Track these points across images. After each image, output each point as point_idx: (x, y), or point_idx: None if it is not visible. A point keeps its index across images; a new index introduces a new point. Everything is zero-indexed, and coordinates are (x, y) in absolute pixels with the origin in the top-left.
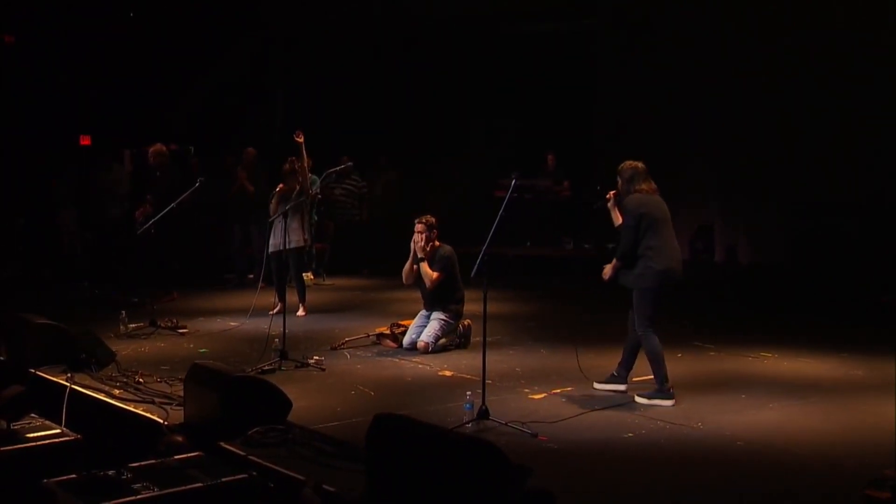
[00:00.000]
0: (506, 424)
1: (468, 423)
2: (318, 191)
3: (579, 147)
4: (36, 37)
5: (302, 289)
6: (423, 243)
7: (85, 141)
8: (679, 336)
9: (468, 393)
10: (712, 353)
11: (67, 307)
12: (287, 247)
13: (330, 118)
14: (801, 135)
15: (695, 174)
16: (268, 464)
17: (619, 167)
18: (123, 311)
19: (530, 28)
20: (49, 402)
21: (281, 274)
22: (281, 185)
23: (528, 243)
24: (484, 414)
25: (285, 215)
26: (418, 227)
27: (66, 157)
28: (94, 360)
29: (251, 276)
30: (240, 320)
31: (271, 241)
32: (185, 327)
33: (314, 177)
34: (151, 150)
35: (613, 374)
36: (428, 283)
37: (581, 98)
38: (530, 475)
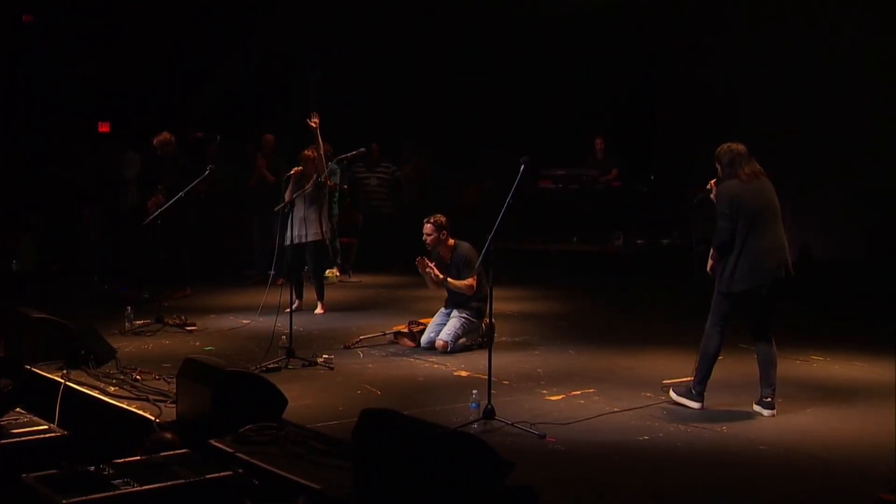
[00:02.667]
0: (512, 425)
1: (473, 422)
2: (338, 182)
3: (632, 132)
4: (55, 16)
5: (320, 285)
6: (432, 270)
7: (104, 128)
8: (728, 337)
9: (474, 392)
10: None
11: (75, 302)
12: (305, 239)
13: (368, 102)
14: (879, 123)
15: (762, 164)
16: (256, 461)
17: (717, 151)
18: (129, 308)
19: (575, 4)
20: (43, 399)
21: (297, 268)
22: (296, 168)
23: (575, 239)
24: (490, 413)
25: (292, 204)
26: (427, 227)
27: (83, 144)
28: (92, 356)
29: (273, 271)
30: (251, 318)
31: (288, 233)
32: (193, 325)
33: (334, 165)
34: (157, 139)
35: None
36: (468, 292)
37: (635, 80)
38: (513, 469)
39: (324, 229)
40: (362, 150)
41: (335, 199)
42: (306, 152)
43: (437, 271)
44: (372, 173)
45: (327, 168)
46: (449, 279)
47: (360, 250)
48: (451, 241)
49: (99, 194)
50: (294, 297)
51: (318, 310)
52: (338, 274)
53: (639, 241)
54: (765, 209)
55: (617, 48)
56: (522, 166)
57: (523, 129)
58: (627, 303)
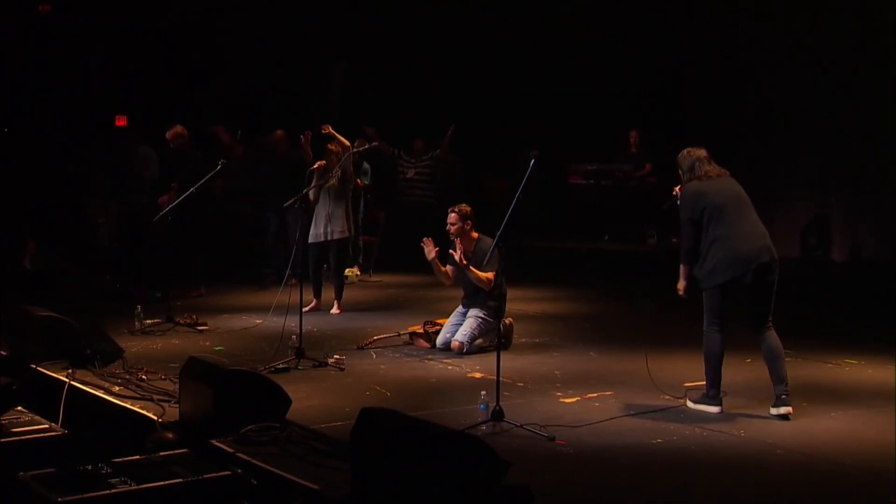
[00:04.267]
0: (521, 427)
1: (481, 424)
2: (370, 181)
3: (668, 124)
4: (73, 6)
5: (340, 284)
6: (460, 252)
7: (121, 121)
8: (755, 339)
9: (483, 393)
10: (788, 360)
11: (85, 301)
12: (331, 237)
13: (395, 95)
14: None
15: (809, 157)
16: (256, 461)
17: (677, 158)
18: (139, 306)
19: None
20: (48, 398)
21: (318, 267)
22: (319, 162)
23: (606, 237)
24: (498, 415)
25: (305, 199)
26: (451, 216)
27: (100, 138)
28: (98, 355)
29: (289, 270)
30: (264, 318)
31: (312, 231)
32: (205, 324)
33: (366, 165)
34: (170, 133)
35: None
36: (485, 286)
37: (672, 70)
38: (508, 468)
39: (350, 227)
40: (374, 143)
41: (361, 200)
42: (330, 146)
43: (461, 254)
44: (411, 165)
45: (361, 168)
46: (472, 267)
47: (386, 247)
48: (476, 234)
49: (114, 191)
50: (313, 296)
51: (335, 309)
52: (358, 273)
53: (674, 240)
54: (731, 200)
55: (652, 36)
56: (532, 161)
57: (554, 121)
58: (658, 304)
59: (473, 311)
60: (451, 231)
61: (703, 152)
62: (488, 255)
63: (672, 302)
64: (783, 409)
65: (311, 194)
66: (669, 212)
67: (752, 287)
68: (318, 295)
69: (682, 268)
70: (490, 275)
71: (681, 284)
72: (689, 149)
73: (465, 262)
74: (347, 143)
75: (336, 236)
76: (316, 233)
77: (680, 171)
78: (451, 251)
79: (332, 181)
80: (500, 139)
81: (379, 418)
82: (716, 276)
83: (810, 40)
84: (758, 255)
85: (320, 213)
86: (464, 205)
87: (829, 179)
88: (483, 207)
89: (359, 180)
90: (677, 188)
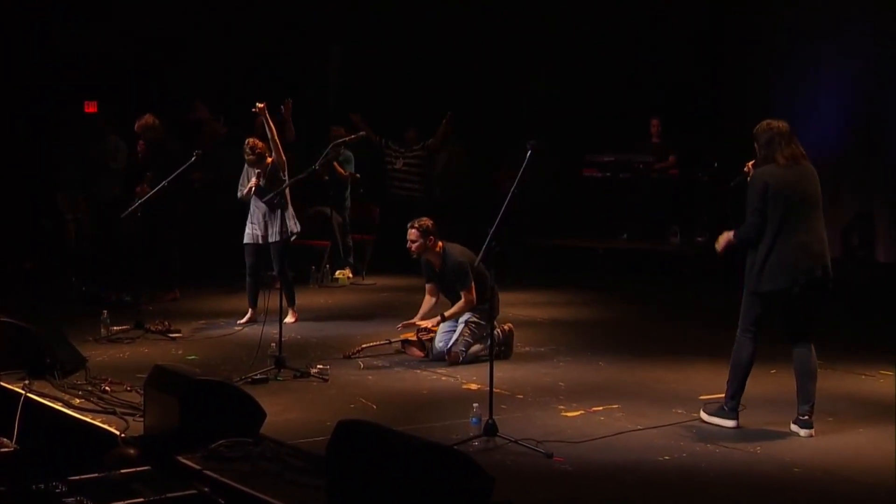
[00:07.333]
0: (516, 442)
1: (473, 439)
2: (353, 170)
3: (694, 112)
4: None
5: (289, 287)
6: (433, 322)
7: (90, 108)
8: (783, 348)
9: (475, 405)
10: (818, 370)
11: (48, 305)
12: (270, 239)
13: (395, 80)
14: None
15: (852, 149)
16: (224, 479)
17: (755, 129)
18: (105, 312)
19: None
20: (1, 412)
21: (254, 271)
22: (255, 180)
23: (625, 235)
24: (492, 430)
25: (281, 195)
26: (411, 233)
27: (69, 126)
28: (58, 365)
29: (270, 272)
30: (241, 325)
31: (247, 230)
32: (178, 331)
33: (348, 153)
34: (138, 124)
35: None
36: (471, 305)
37: (698, 50)
38: (493, 484)
39: (291, 224)
40: (361, 133)
41: (348, 191)
42: (257, 144)
43: (432, 324)
44: (400, 155)
45: (341, 156)
46: (446, 313)
47: (379, 245)
48: (440, 246)
49: (84, 184)
50: (248, 306)
51: (290, 318)
52: (350, 275)
53: (699, 239)
54: (803, 199)
55: (678, 13)
56: (529, 151)
57: (568, 109)
58: (679, 309)
59: (465, 317)
60: (413, 249)
61: (784, 126)
62: (459, 269)
63: (692, 308)
64: (804, 432)
65: (244, 194)
66: (694, 208)
67: (798, 300)
68: (253, 303)
69: (733, 233)
70: (469, 296)
71: (721, 239)
72: (769, 121)
73: (436, 324)
74: (275, 134)
75: (277, 237)
76: (252, 233)
77: (756, 146)
78: (418, 335)
79: (259, 180)
80: (510, 128)
81: (356, 431)
82: (763, 283)
83: (850, 27)
84: (812, 268)
85: (255, 211)
86: (424, 219)
87: (874, 175)
88: (493, 200)
89: (342, 170)
90: (750, 163)
